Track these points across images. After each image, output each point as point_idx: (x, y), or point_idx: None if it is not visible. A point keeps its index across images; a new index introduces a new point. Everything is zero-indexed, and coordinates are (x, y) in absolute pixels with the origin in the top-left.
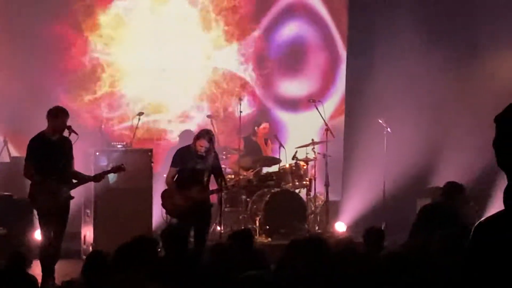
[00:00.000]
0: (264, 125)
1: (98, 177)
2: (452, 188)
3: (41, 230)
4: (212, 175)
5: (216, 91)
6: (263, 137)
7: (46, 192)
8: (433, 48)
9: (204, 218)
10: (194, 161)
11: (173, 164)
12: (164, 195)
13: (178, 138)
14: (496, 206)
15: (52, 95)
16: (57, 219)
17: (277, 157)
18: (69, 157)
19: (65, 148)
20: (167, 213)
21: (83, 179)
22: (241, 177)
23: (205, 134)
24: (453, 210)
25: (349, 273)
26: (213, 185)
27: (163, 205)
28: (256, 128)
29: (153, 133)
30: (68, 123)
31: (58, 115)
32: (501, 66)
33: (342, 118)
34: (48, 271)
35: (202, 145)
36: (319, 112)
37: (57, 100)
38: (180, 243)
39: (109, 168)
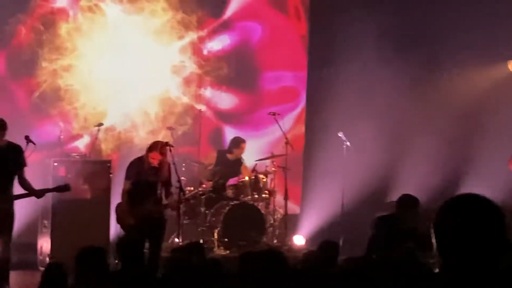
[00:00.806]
0: (243, 145)
1: (38, 193)
2: (406, 201)
3: None
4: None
5: (176, 102)
6: (239, 155)
7: None
8: (394, 64)
9: (158, 231)
10: (147, 173)
11: (127, 177)
12: (117, 210)
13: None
14: None
15: None
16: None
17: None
18: (14, 166)
19: (8, 157)
20: (121, 228)
21: (27, 191)
22: (200, 189)
23: (157, 146)
24: (406, 222)
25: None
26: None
27: (117, 220)
28: (240, 145)
29: (114, 144)
30: (26, 132)
31: None
32: (460, 83)
33: (302, 132)
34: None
35: (154, 157)
36: (279, 125)
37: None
38: (135, 256)
39: (53, 186)
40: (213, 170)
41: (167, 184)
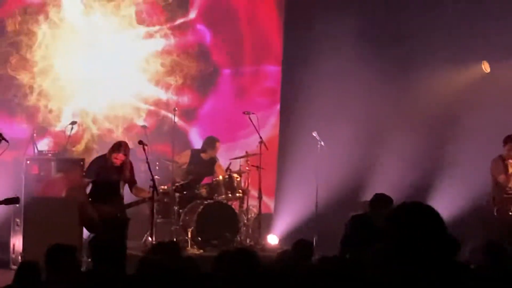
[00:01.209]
0: (218, 144)
1: None
2: (380, 200)
3: None
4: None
5: (151, 101)
6: (213, 155)
7: None
8: (370, 63)
9: (121, 231)
10: (109, 172)
11: (87, 174)
12: (78, 210)
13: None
14: None
15: None
16: None
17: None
18: None
19: None
20: (84, 227)
21: None
22: (173, 187)
23: (120, 146)
24: (379, 222)
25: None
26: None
27: (79, 220)
28: (214, 144)
29: (86, 143)
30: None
31: None
32: (435, 83)
33: (276, 131)
34: None
35: (118, 158)
36: (253, 124)
37: None
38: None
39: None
40: (187, 169)
41: (131, 182)
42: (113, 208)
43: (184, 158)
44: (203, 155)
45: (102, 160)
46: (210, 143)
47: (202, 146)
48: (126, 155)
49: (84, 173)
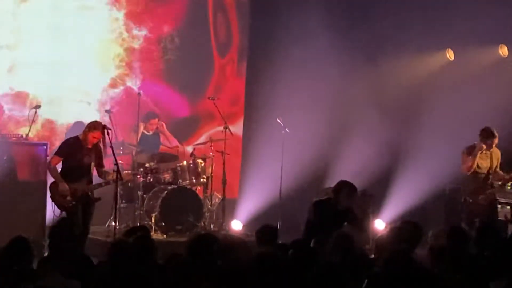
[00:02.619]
0: (152, 121)
1: None
2: (343, 186)
3: None
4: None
5: (113, 85)
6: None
7: None
8: (334, 50)
9: (90, 211)
10: (82, 154)
11: (59, 153)
12: (51, 188)
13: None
14: (391, 206)
15: None
16: None
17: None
18: None
19: None
20: (56, 206)
21: None
22: (137, 172)
23: (99, 126)
24: (341, 207)
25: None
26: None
27: (52, 198)
28: (149, 120)
29: (52, 127)
30: None
31: None
32: (400, 70)
33: (241, 116)
34: None
35: (95, 136)
36: (217, 109)
37: None
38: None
39: None
40: (151, 155)
41: (100, 165)
42: (85, 187)
43: (134, 143)
44: (146, 132)
45: (75, 141)
46: (146, 118)
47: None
48: (103, 133)
49: (56, 152)
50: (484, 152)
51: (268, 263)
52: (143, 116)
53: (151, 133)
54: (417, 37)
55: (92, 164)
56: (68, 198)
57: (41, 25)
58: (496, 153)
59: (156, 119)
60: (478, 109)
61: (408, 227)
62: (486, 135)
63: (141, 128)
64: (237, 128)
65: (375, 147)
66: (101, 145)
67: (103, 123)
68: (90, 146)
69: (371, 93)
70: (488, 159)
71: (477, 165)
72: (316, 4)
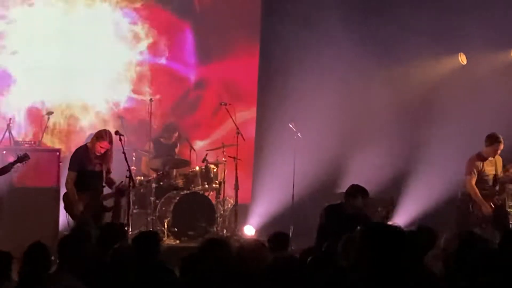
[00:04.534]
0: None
1: (5, 169)
2: (354, 190)
3: None
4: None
5: (128, 92)
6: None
7: None
8: (346, 55)
9: (101, 222)
10: (93, 163)
11: (72, 167)
12: (64, 199)
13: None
14: (403, 211)
15: None
16: None
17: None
18: None
19: None
20: (70, 216)
21: None
22: (150, 178)
23: (104, 134)
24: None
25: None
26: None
27: (65, 208)
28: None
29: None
30: None
31: None
32: (413, 74)
33: (253, 122)
34: None
35: (103, 146)
36: (230, 115)
37: None
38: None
39: (15, 159)
40: (163, 160)
41: (108, 172)
42: (97, 197)
43: (149, 149)
44: (162, 140)
45: (84, 150)
46: (168, 130)
47: (161, 132)
48: (110, 143)
49: (68, 167)
50: (489, 159)
51: (283, 267)
52: (164, 128)
53: (170, 143)
54: (429, 42)
55: (104, 171)
56: (81, 209)
57: (52, 30)
58: (499, 160)
59: (177, 133)
60: (491, 113)
61: (421, 232)
62: (491, 141)
63: (162, 140)
64: (249, 134)
65: (388, 151)
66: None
67: (114, 130)
68: (98, 154)
69: (384, 97)
70: (493, 166)
71: (483, 171)
72: (330, 9)
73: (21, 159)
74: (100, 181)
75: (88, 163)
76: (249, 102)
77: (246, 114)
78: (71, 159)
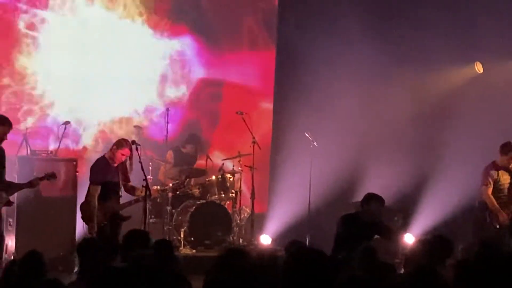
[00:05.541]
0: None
1: (32, 184)
2: (370, 199)
3: None
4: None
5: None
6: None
7: None
8: (363, 63)
9: (117, 231)
10: (112, 173)
11: (96, 181)
12: (83, 209)
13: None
14: (420, 220)
15: None
16: None
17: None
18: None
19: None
20: (88, 227)
21: (17, 186)
22: (166, 187)
23: (125, 142)
24: (371, 220)
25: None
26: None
27: (82, 218)
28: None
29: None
30: None
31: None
32: (429, 84)
33: (269, 131)
34: None
35: (124, 153)
36: (246, 124)
37: None
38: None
39: (43, 175)
40: (180, 170)
41: (126, 180)
42: (115, 206)
43: (169, 158)
44: (183, 149)
45: (103, 161)
46: (191, 140)
47: (184, 142)
48: (131, 150)
49: (91, 180)
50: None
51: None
52: (188, 138)
53: (191, 153)
54: (445, 51)
55: (121, 181)
56: (103, 220)
57: (72, 40)
58: None
59: (199, 145)
60: (507, 123)
61: (438, 241)
62: (507, 150)
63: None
64: (265, 143)
65: (405, 160)
66: (128, 161)
67: (131, 139)
68: (116, 164)
69: (400, 106)
70: (508, 174)
71: (499, 180)
72: (345, 17)
73: (49, 177)
74: (117, 191)
75: (109, 174)
76: (265, 110)
77: (262, 123)
78: (93, 171)
